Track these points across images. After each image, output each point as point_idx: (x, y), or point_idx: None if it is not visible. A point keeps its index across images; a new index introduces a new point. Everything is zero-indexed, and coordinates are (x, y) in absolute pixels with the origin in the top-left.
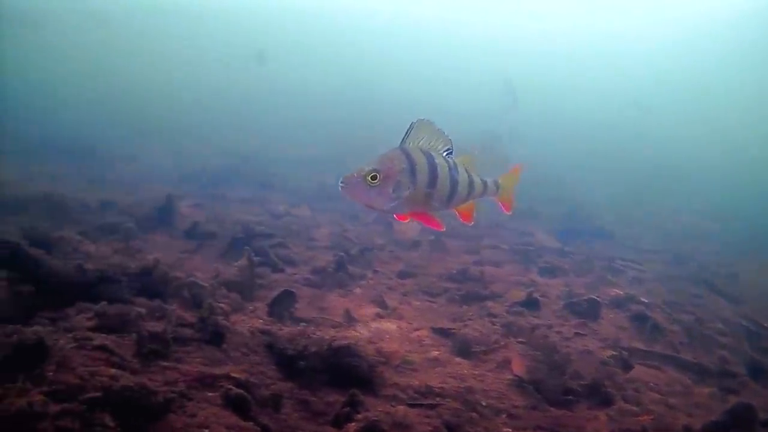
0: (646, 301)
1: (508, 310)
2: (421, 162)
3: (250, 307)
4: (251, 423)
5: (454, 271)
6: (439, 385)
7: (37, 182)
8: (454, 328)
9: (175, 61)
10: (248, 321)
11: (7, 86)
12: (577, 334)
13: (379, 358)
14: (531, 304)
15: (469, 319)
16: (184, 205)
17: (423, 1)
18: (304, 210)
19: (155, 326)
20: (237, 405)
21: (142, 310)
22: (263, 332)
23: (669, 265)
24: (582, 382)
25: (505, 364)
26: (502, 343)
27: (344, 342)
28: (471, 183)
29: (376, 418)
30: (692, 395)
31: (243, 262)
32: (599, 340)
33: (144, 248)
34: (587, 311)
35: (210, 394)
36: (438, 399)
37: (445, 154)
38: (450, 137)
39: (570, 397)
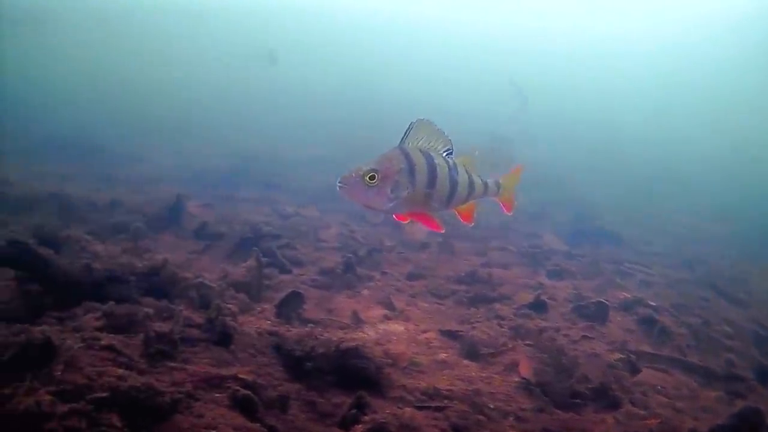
0: (654, 304)
1: (515, 312)
2: (420, 162)
3: (258, 308)
4: (258, 424)
5: (463, 273)
6: (447, 388)
7: (45, 181)
8: (461, 331)
9: (175, 61)
10: (256, 322)
11: (9, 85)
12: (584, 337)
13: (387, 359)
14: (539, 306)
15: (477, 322)
16: (193, 205)
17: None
18: (312, 210)
19: (163, 326)
20: (244, 406)
21: (150, 311)
22: (271, 333)
23: (677, 268)
24: (589, 385)
25: (513, 366)
26: (510, 346)
27: (352, 344)
28: (471, 183)
29: (383, 420)
30: (699, 399)
31: (251, 262)
32: (607, 343)
33: (152, 248)
34: (595, 314)
35: (217, 395)
36: (445, 401)
37: (445, 154)
38: (450, 137)
39: (577, 400)
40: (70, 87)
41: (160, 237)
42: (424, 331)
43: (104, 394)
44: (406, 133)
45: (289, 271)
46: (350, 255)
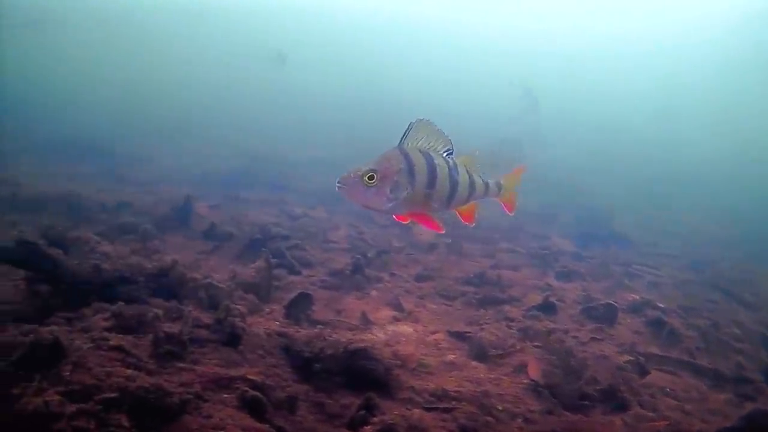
0: (663, 306)
1: (524, 314)
2: (419, 162)
3: (267, 309)
4: (267, 425)
5: (472, 275)
6: (455, 389)
7: (53, 182)
8: (470, 332)
9: (175, 61)
10: (265, 323)
11: (9, 85)
12: (593, 338)
13: (395, 361)
14: (548, 308)
15: (486, 323)
16: (201, 205)
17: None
18: (320, 212)
19: (172, 327)
20: (252, 407)
21: (159, 311)
22: (280, 334)
23: (686, 270)
24: (598, 387)
25: (522, 368)
26: (519, 347)
27: (360, 345)
28: (472, 184)
29: (391, 422)
30: (708, 401)
31: (260, 263)
32: (616, 345)
33: (161, 249)
34: (604, 316)
35: (226, 395)
36: (454, 403)
37: (445, 154)
38: (450, 137)
39: (586, 402)
40: (70, 87)
41: (169, 238)
42: (433, 333)
43: (113, 395)
44: (405, 133)
45: (298, 272)
46: (359, 256)
